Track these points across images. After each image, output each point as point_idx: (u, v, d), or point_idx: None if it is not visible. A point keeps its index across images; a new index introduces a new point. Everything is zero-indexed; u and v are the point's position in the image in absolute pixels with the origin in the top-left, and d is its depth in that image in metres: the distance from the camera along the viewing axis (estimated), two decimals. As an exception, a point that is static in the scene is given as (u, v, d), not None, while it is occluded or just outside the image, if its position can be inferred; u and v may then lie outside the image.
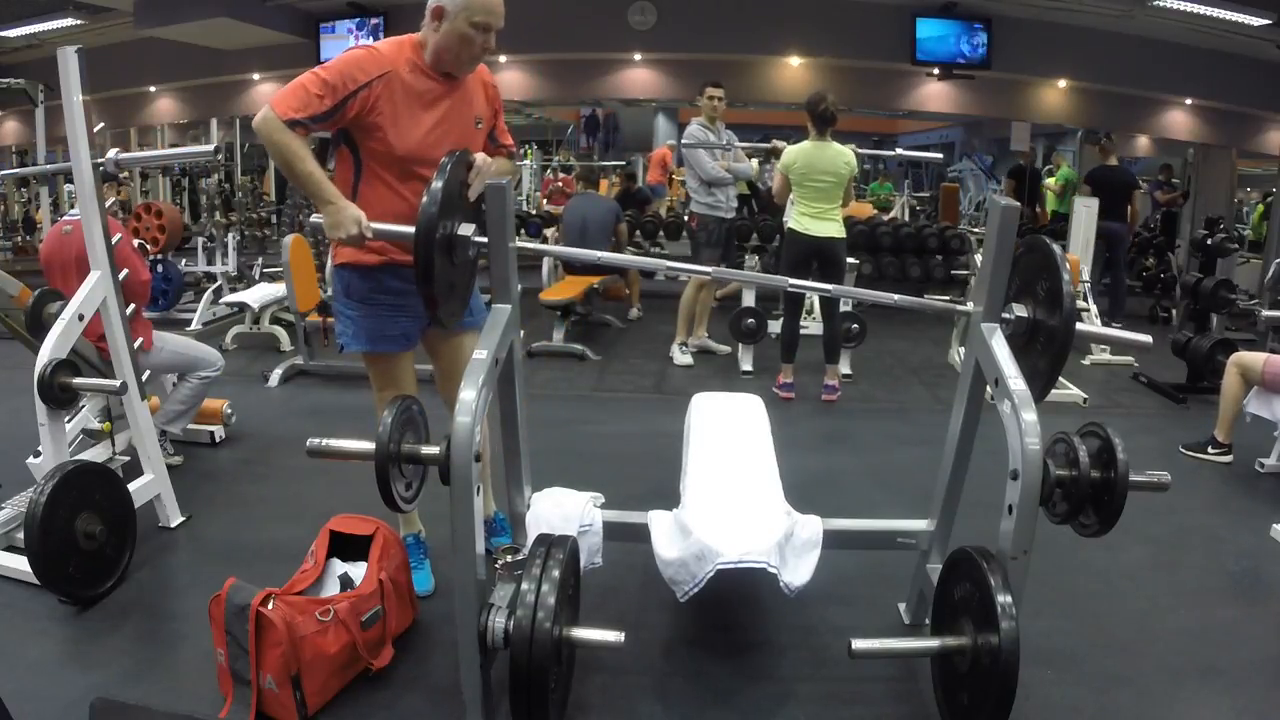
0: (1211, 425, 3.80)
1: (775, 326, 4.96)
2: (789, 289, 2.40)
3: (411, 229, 1.73)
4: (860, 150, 4.56)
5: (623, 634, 1.73)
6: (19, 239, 9.34)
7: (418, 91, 2.07)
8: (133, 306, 2.82)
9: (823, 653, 2.15)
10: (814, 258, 4.30)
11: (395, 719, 1.89)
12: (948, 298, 6.26)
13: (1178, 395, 4.71)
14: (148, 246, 5.70)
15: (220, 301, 6.02)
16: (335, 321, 2.32)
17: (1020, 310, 1.90)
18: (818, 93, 4.29)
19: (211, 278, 6.77)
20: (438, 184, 1.73)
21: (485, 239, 1.87)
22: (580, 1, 7.55)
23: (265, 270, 6.83)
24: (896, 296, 2.12)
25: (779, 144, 4.59)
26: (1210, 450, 3.74)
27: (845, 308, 4.99)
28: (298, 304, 4.64)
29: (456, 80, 2.13)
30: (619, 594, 2.39)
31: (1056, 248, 1.84)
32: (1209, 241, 5.70)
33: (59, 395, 2.48)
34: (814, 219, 4.26)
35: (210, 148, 4.43)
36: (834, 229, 4.28)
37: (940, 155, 5.78)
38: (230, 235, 6.95)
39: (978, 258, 4.95)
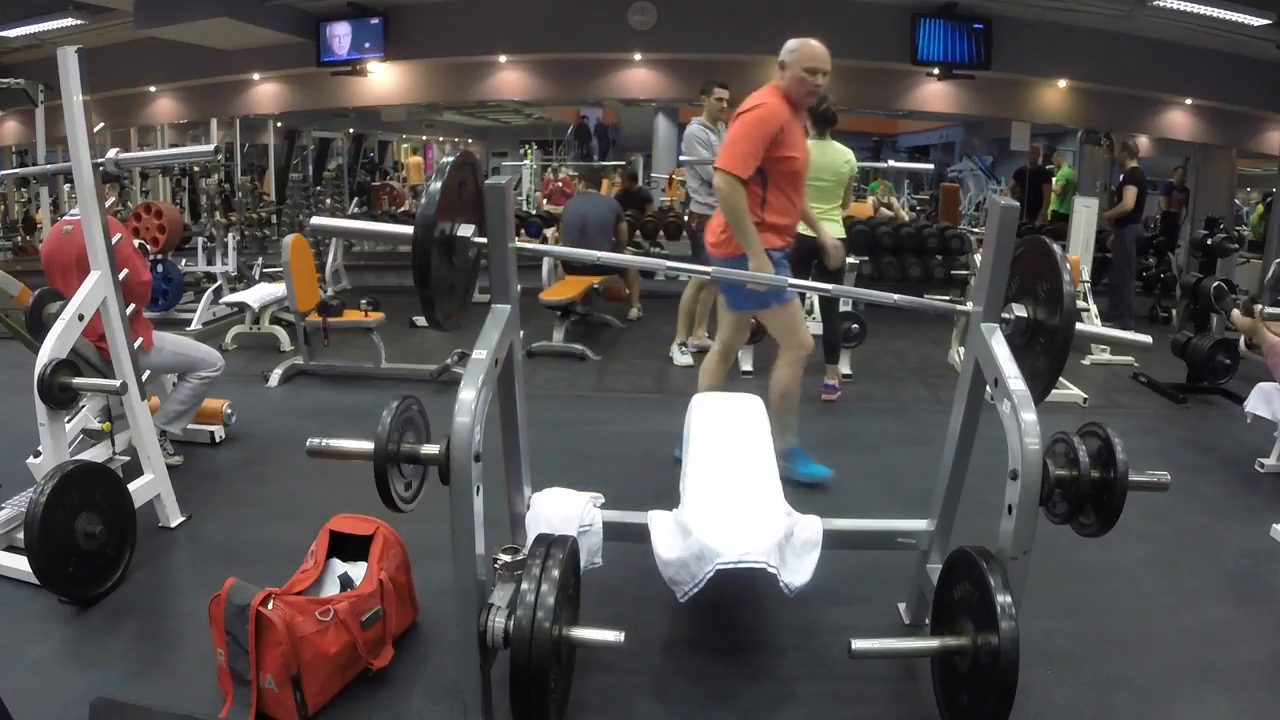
0: (1212, 425, 3.83)
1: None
2: (789, 289, 2.40)
3: (408, 229, 1.73)
4: (859, 164, 4.58)
5: (623, 634, 1.73)
6: (19, 239, 9.34)
7: (795, 128, 2.89)
8: (133, 306, 2.82)
9: (823, 653, 2.15)
10: (813, 258, 4.29)
11: (395, 719, 1.90)
12: (948, 298, 6.26)
13: (1178, 395, 4.71)
14: (148, 246, 5.71)
15: (220, 301, 6.02)
16: (736, 290, 3.07)
17: (1020, 310, 1.91)
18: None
19: (211, 278, 6.77)
20: (436, 185, 1.73)
21: (485, 239, 1.87)
22: (580, 1, 7.55)
23: (265, 270, 6.83)
24: (896, 296, 2.12)
25: None
26: None
27: (845, 308, 4.99)
28: (298, 304, 4.64)
29: (797, 116, 2.94)
30: (619, 594, 2.38)
31: (1056, 248, 1.84)
32: (1209, 241, 5.69)
33: (59, 395, 2.48)
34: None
35: (210, 148, 4.44)
36: (834, 229, 4.26)
37: (931, 166, 5.81)
38: (230, 235, 6.94)
39: (977, 258, 4.95)
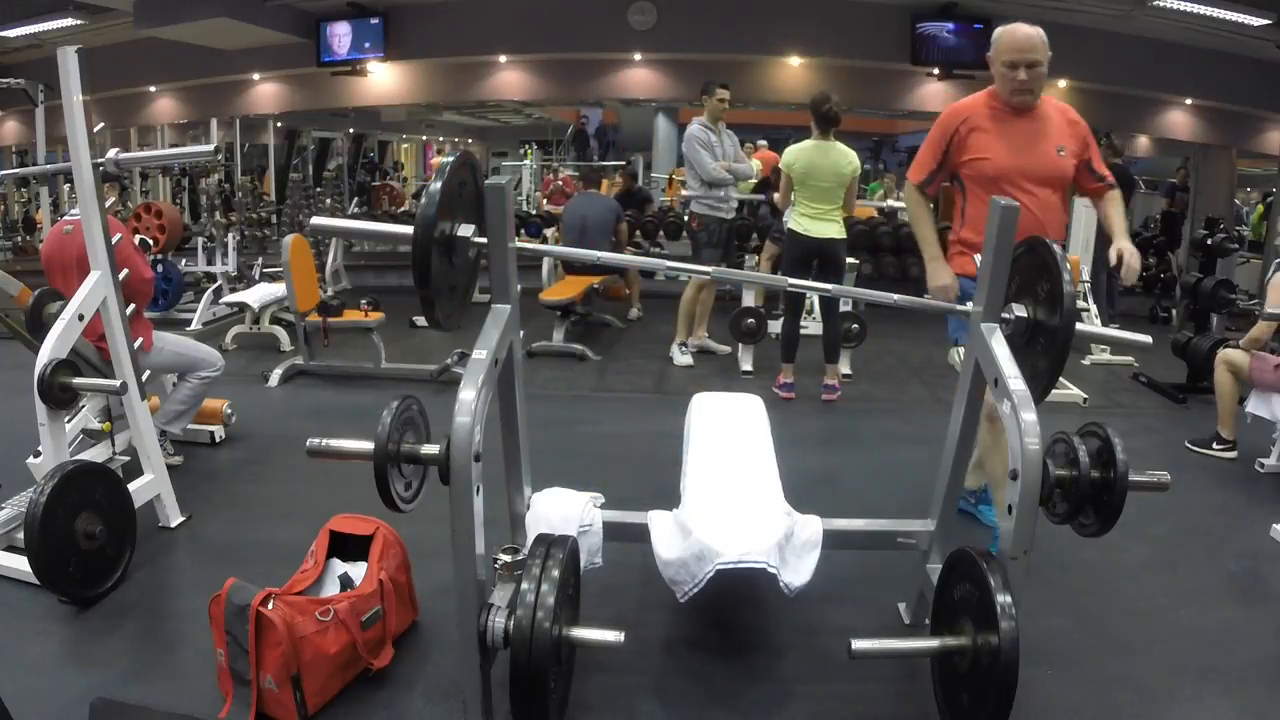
0: (1212, 424, 3.81)
1: (775, 327, 4.97)
2: (789, 289, 2.40)
3: (407, 229, 1.73)
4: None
5: (623, 634, 1.73)
6: (19, 239, 9.34)
7: (996, 126, 2.53)
8: (133, 306, 2.82)
9: (823, 653, 2.15)
10: (814, 257, 4.31)
11: (395, 719, 1.90)
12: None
13: (1178, 395, 4.71)
14: (150, 243, 5.70)
15: (220, 301, 6.02)
16: (950, 320, 2.69)
17: (1020, 310, 1.90)
18: (822, 93, 4.29)
19: (211, 278, 6.77)
20: (436, 185, 1.73)
21: (485, 239, 1.87)
22: (580, 1, 7.55)
23: (265, 270, 6.83)
24: (896, 296, 2.12)
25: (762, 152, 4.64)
26: (1215, 446, 3.77)
27: (845, 307, 4.99)
28: (298, 304, 4.64)
29: (1027, 113, 2.56)
30: (619, 594, 2.38)
31: (1057, 247, 1.84)
32: (1209, 241, 5.69)
33: (59, 395, 2.48)
34: (814, 219, 4.29)
35: (210, 148, 4.43)
36: (834, 230, 4.30)
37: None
38: (230, 235, 6.95)
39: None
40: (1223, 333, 4.91)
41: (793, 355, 4.58)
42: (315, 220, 2.08)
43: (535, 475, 2.28)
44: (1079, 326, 1.81)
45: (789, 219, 4.42)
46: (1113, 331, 2.25)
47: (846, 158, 4.25)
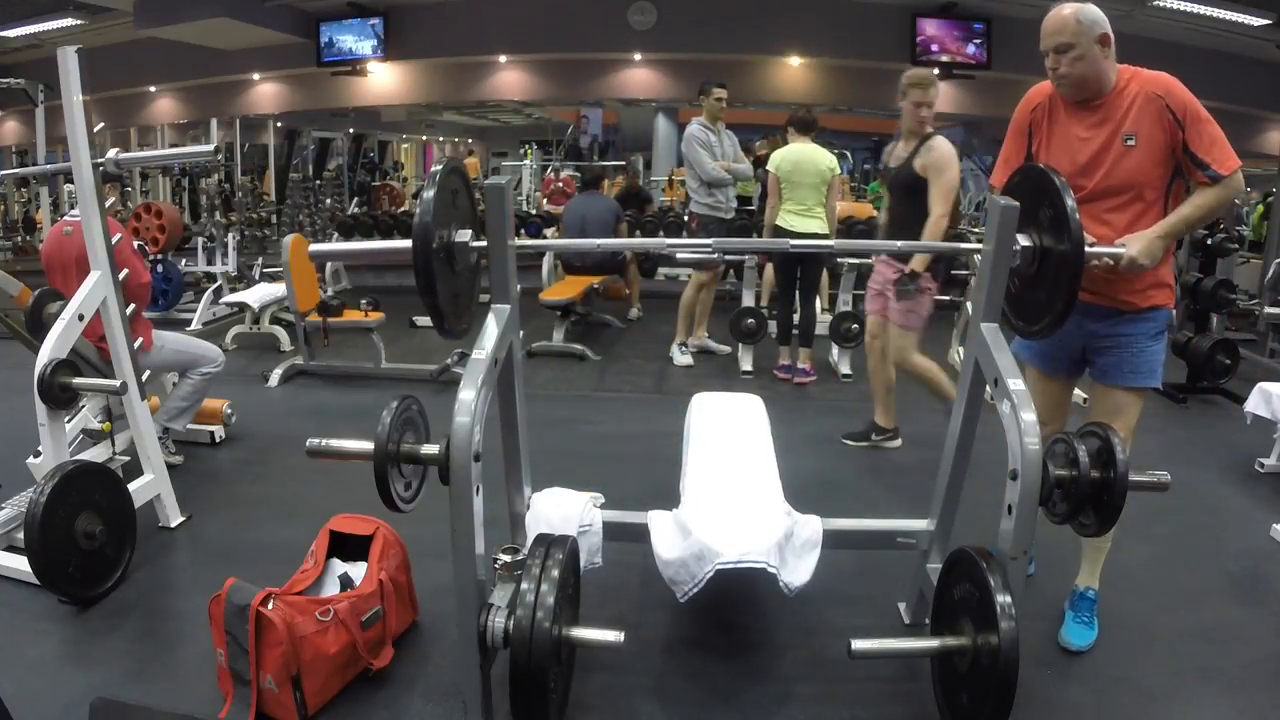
0: (1212, 425, 3.81)
1: (774, 328, 4.97)
2: (790, 250, 2.43)
3: (408, 243, 1.71)
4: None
5: (623, 634, 1.73)
6: (19, 239, 9.35)
7: (1062, 122, 2.15)
8: (132, 306, 2.82)
9: (823, 653, 2.15)
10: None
11: (395, 719, 1.90)
12: (947, 298, 6.25)
13: (1178, 395, 4.71)
14: (147, 248, 5.71)
15: (220, 301, 6.03)
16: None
17: (1025, 240, 1.84)
18: (799, 107, 4.70)
19: (211, 278, 6.78)
20: (429, 194, 1.72)
21: (484, 243, 1.87)
22: (580, 1, 7.56)
23: (265, 270, 6.83)
24: (900, 244, 2.10)
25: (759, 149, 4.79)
26: (874, 436, 3.83)
27: (844, 307, 5.01)
28: (298, 304, 4.64)
29: (1093, 104, 2.12)
30: (619, 594, 2.38)
31: (1053, 170, 1.81)
32: (1209, 241, 5.69)
33: (59, 395, 2.48)
34: (798, 216, 4.53)
35: (210, 148, 4.43)
36: (817, 226, 4.53)
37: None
38: (230, 235, 6.95)
39: (978, 258, 4.95)
40: (1223, 333, 4.90)
41: (788, 338, 4.79)
42: (314, 247, 2.08)
43: (535, 475, 2.28)
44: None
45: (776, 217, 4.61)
46: None
47: (825, 156, 4.54)
